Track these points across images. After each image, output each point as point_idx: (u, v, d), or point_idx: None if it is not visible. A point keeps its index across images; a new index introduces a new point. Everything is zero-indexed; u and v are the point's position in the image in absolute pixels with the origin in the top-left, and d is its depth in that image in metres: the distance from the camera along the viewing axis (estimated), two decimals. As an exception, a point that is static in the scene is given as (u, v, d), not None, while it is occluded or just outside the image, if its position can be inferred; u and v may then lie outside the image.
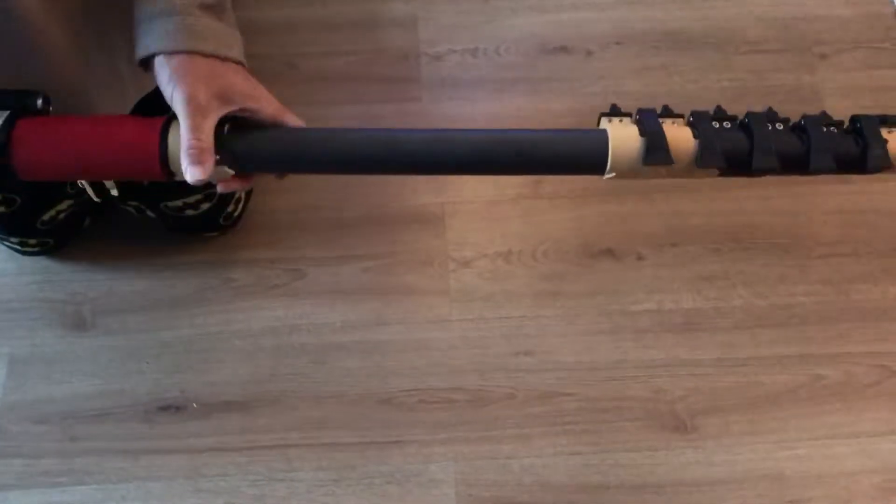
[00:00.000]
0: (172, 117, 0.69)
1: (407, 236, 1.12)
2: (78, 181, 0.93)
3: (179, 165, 0.68)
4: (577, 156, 0.71)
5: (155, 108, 0.88)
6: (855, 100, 1.22)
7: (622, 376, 1.02)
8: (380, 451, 0.98)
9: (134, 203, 1.02)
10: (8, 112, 0.68)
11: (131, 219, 1.09)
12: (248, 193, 1.10)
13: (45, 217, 1.00)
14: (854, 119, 0.74)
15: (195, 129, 0.66)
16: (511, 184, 1.17)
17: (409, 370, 1.03)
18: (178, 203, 0.99)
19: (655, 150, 0.69)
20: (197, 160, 0.66)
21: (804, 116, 0.72)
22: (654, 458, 0.98)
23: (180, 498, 0.96)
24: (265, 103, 0.71)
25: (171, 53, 0.66)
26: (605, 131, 0.71)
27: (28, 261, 1.09)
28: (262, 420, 1.00)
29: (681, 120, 0.73)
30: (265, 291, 1.08)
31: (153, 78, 0.69)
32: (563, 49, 1.29)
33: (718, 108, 0.73)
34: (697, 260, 1.10)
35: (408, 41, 1.29)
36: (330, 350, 1.04)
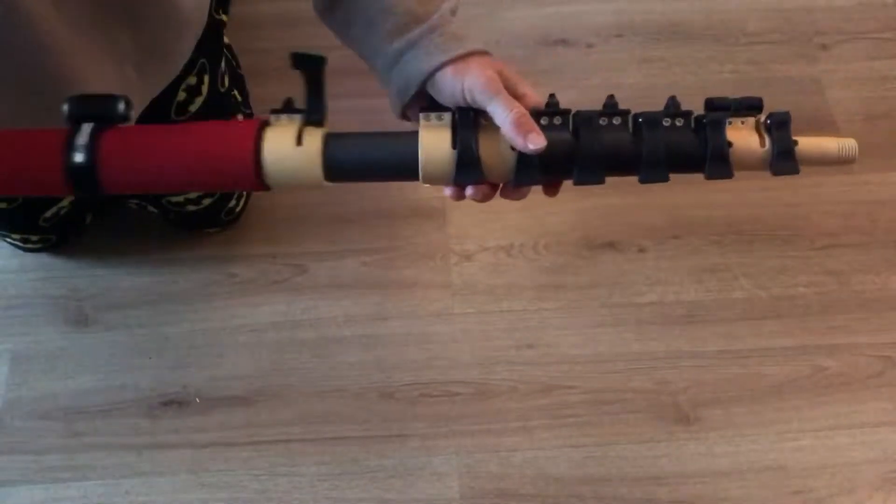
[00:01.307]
0: (266, 123, 0.64)
1: (408, 230, 1.12)
2: None
3: (277, 176, 0.62)
4: (389, 162, 0.64)
5: (155, 107, 0.89)
6: (856, 91, 1.21)
7: (624, 368, 1.02)
8: (382, 445, 0.98)
9: (136, 199, 1.02)
10: (92, 126, 0.62)
11: (133, 215, 1.09)
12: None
13: (48, 214, 1.00)
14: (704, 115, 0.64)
15: (508, 100, 0.62)
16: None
17: (411, 364, 1.03)
18: (180, 199, 1.00)
19: (465, 167, 0.62)
20: (531, 127, 0.61)
21: (641, 115, 0.63)
22: (657, 449, 0.98)
23: (184, 492, 0.96)
24: (530, 89, 0.67)
25: (448, 63, 0.64)
26: (416, 138, 0.63)
27: (30, 257, 1.09)
28: (265, 414, 1.00)
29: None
30: (267, 286, 1.08)
31: (400, 97, 0.67)
32: (564, 41, 1.28)
33: (550, 96, 0.65)
34: (699, 252, 1.10)
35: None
36: (332, 344, 1.04)
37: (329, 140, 0.63)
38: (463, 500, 0.95)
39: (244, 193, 1.08)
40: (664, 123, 0.63)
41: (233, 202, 1.06)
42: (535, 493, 0.95)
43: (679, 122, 0.63)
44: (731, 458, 0.97)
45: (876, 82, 1.22)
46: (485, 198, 0.65)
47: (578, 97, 1.22)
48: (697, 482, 0.96)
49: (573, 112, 0.63)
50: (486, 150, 0.62)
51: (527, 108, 0.62)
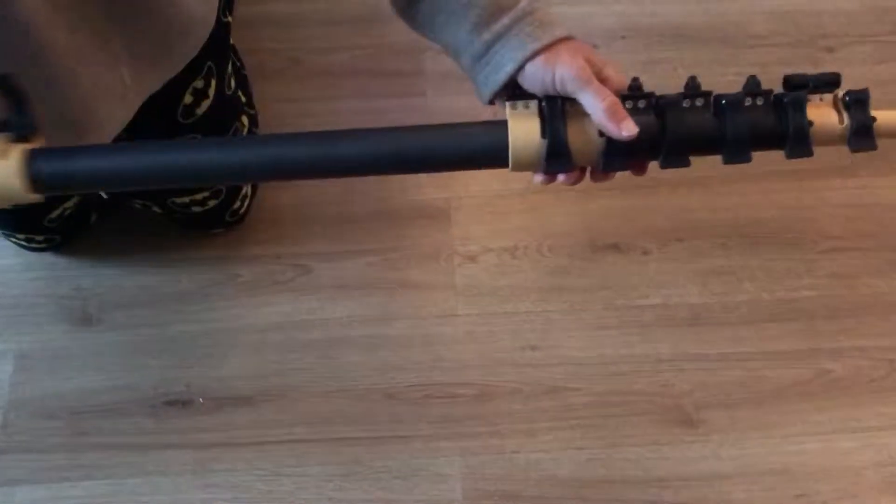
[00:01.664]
0: None
1: (412, 231, 1.12)
2: None
3: None
4: (476, 152, 0.67)
5: (162, 110, 0.89)
6: (862, 93, 1.21)
7: (628, 371, 1.02)
8: (386, 446, 0.98)
9: (140, 200, 1.03)
10: None
11: (137, 215, 1.09)
12: (254, 190, 1.10)
13: (53, 215, 1.00)
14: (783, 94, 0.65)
15: (600, 89, 0.63)
16: (517, 178, 1.16)
17: (415, 365, 1.03)
18: (185, 200, 1.00)
19: (556, 156, 0.64)
20: (623, 115, 0.62)
21: (725, 98, 0.64)
22: (661, 452, 0.98)
23: (189, 492, 0.96)
24: (614, 73, 0.67)
25: (539, 52, 0.65)
26: (505, 128, 0.65)
27: (34, 256, 1.09)
28: (269, 415, 1.00)
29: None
30: (271, 287, 1.08)
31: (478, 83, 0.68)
32: (569, 43, 1.28)
33: (634, 79, 0.66)
34: (703, 254, 1.10)
35: (412, 36, 1.28)
36: (336, 345, 1.04)
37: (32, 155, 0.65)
38: (466, 502, 0.95)
39: (249, 195, 1.08)
40: (745, 104, 0.64)
41: (237, 203, 1.06)
42: (538, 496, 0.95)
43: (760, 102, 0.64)
44: (735, 461, 0.97)
45: (882, 85, 1.22)
46: (576, 181, 0.68)
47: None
48: (702, 485, 0.96)
49: (658, 95, 0.65)
50: (575, 137, 0.64)
51: (613, 92, 0.63)
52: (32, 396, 1.01)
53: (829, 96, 0.65)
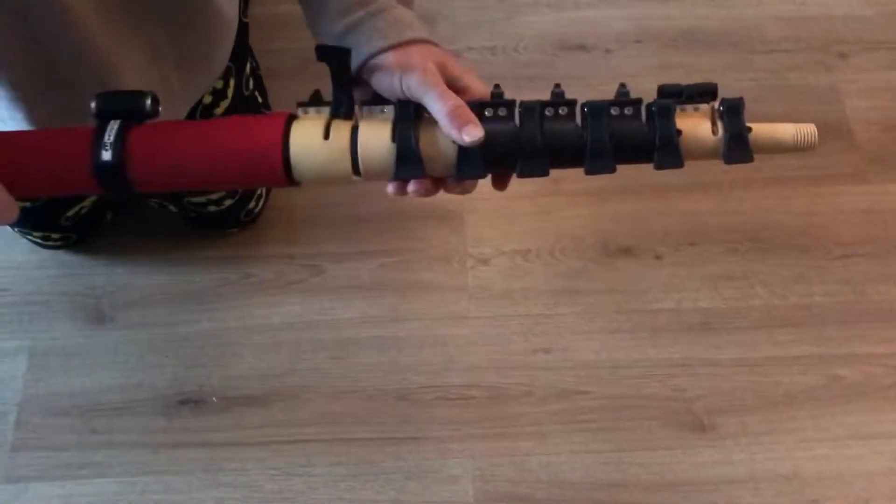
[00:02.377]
0: (293, 116, 0.62)
1: (425, 232, 1.13)
2: None
3: (304, 170, 0.61)
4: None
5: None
6: (875, 100, 1.21)
7: (640, 375, 1.02)
8: (397, 447, 0.99)
9: (157, 198, 1.03)
10: (119, 123, 0.60)
11: (152, 213, 1.10)
12: (269, 191, 1.11)
13: (70, 213, 1.01)
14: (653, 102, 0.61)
15: (445, 92, 0.59)
16: (528, 182, 1.16)
17: (426, 366, 1.03)
18: (202, 199, 1.00)
19: (406, 161, 0.60)
20: (467, 119, 0.58)
21: (588, 105, 0.60)
22: (672, 456, 0.98)
23: (199, 491, 0.96)
24: (475, 81, 0.65)
25: (389, 49, 0.63)
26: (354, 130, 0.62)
27: (49, 254, 1.10)
28: (281, 415, 1.00)
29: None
30: (284, 287, 1.08)
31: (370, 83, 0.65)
32: (582, 47, 1.29)
33: (495, 86, 0.62)
34: (715, 259, 1.10)
35: (426, 38, 1.29)
36: (348, 345, 1.05)
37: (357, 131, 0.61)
38: (477, 504, 0.95)
39: (263, 195, 1.09)
40: (612, 112, 0.60)
41: (252, 203, 1.06)
42: (549, 498, 0.96)
43: (628, 111, 0.60)
44: (746, 465, 0.97)
45: (895, 92, 1.22)
46: (427, 193, 0.63)
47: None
48: (712, 490, 0.96)
49: (517, 102, 0.61)
50: (427, 143, 0.60)
51: (470, 100, 0.60)
52: (45, 393, 1.02)
53: (704, 106, 0.61)
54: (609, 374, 1.03)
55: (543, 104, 0.61)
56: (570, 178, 1.16)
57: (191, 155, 0.62)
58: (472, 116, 0.58)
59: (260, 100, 1.04)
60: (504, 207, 1.14)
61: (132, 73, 0.76)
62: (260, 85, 1.06)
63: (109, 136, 0.60)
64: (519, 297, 1.08)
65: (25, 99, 0.75)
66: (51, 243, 1.07)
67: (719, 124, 0.60)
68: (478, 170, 0.61)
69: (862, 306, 1.07)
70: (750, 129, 0.59)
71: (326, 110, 0.62)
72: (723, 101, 0.60)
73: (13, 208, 0.58)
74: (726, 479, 0.97)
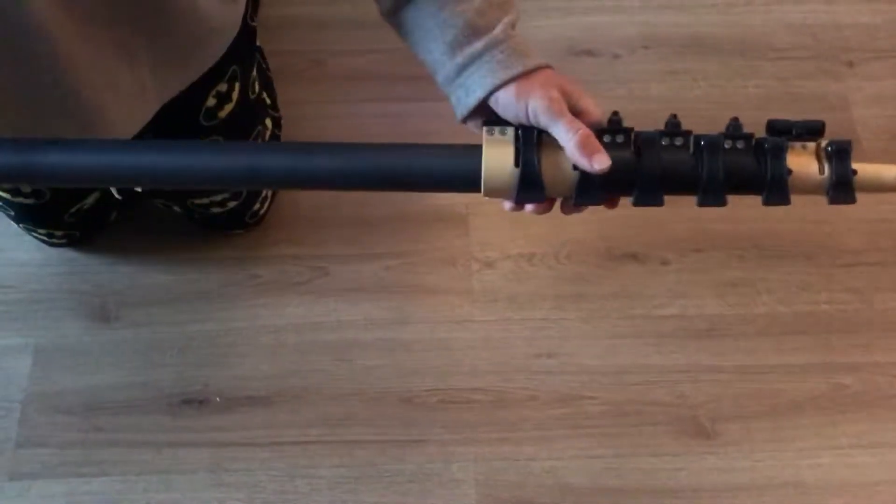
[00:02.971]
0: None
1: (430, 235, 1.13)
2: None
3: None
4: (449, 175, 0.66)
5: (184, 112, 0.89)
6: (883, 109, 1.21)
7: (644, 381, 1.02)
8: (400, 450, 0.99)
9: (162, 199, 1.03)
10: None
11: (157, 213, 1.10)
12: (275, 193, 1.11)
13: (73, 209, 1.01)
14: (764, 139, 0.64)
15: (572, 121, 0.62)
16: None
17: (430, 369, 1.03)
18: (206, 201, 1.00)
19: (527, 187, 0.63)
20: (596, 148, 0.61)
21: (703, 139, 0.63)
22: (675, 463, 0.98)
23: (203, 491, 0.96)
24: (590, 103, 0.66)
25: (510, 81, 0.64)
26: (479, 153, 0.64)
27: (54, 252, 1.10)
28: (285, 416, 1.00)
29: None
30: (289, 288, 1.08)
31: (470, 112, 0.67)
32: (589, 52, 1.29)
33: (614, 113, 0.65)
34: (721, 266, 1.10)
35: (434, 41, 1.29)
36: (352, 347, 1.05)
37: None
38: (480, 508, 0.95)
39: (269, 197, 1.09)
40: (725, 146, 0.63)
41: (257, 205, 1.06)
42: (552, 503, 0.95)
43: (740, 146, 0.63)
44: (749, 473, 0.97)
45: (902, 101, 1.22)
46: (544, 211, 0.67)
47: (603, 108, 1.22)
48: (715, 496, 0.96)
49: (635, 131, 0.64)
50: (549, 168, 0.63)
51: (589, 125, 0.62)
52: (50, 391, 1.02)
53: (811, 145, 0.63)
54: (613, 379, 1.03)
55: (661, 133, 0.64)
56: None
57: None
58: (599, 146, 0.61)
59: (268, 101, 1.04)
60: (509, 211, 1.14)
61: (99, 69, 0.76)
62: (269, 87, 1.06)
63: None
64: (523, 301, 1.08)
65: None
66: (55, 241, 1.07)
67: (825, 164, 0.63)
68: (596, 196, 0.64)
69: (867, 315, 1.07)
70: (855, 172, 0.62)
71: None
72: (831, 143, 0.63)
73: None
74: (730, 486, 0.97)
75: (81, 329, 1.06)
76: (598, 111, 0.65)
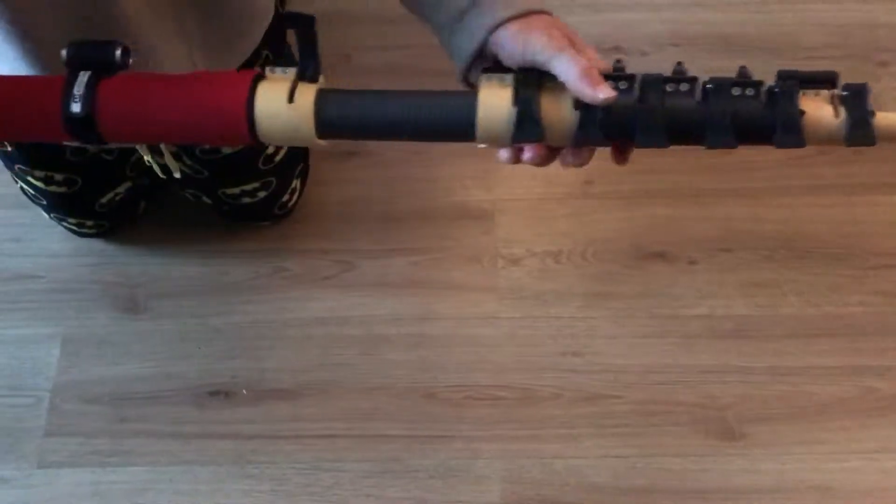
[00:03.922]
0: (260, 76, 0.62)
1: (456, 232, 1.13)
2: (146, 161, 0.94)
3: (269, 130, 0.62)
4: (444, 122, 0.63)
5: None
6: (916, 109, 1.20)
7: (671, 381, 1.02)
8: (425, 445, 0.99)
9: (191, 189, 1.03)
10: (89, 74, 0.61)
11: (186, 205, 1.11)
12: (304, 184, 1.11)
13: (104, 199, 1.02)
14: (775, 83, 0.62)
15: (574, 54, 0.59)
16: (561, 182, 1.16)
17: (456, 366, 1.03)
18: (236, 190, 1.01)
19: (525, 125, 0.60)
20: (599, 79, 0.59)
21: (712, 80, 0.62)
22: (701, 463, 0.97)
23: (228, 483, 0.97)
24: (595, 55, 0.64)
25: (511, 19, 0.63)
26: (474, 98, 0.62)
27: (84, 242, 1.11)
28: (311, 409, 1.00)
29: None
30: (316, 282, 1.08)
31: (480, 57, 0.65)
32: (617, 49, 1.28)
33: (617, 60, 0.62)
34: (750, 266, 1.09)
35: (462, 37, 1.29)
36: (378, 342, 1.05)
37: (322, 96, 0.62)
38: (504, 505, 0.95)
39: (298, 188, 1.09)
40: (733, 92, 0.61)
41: (286, 196, 1.07)
42: (576, 502, 0.95)
43: (750, 92, 0.62)
44: (776, 475, 0.96)
45: (936, 102, 1.21)
46: (542, 161, 0.64)
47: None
48: (741, 498, 0.95)
49: (640, 76, 0.62)
50: (548, 108, 0.61)
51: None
52: (78, 381, 1.03)
53: (825, 92, 0.62)
54: (639, 378, 1.02)
55: (665, 79, 0.62)
56: (604, 181, 1.16)
57: (160, 109, 0.62)
58: (602, 79, 0.59)
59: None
60: (536, 208, 1.14)
61: (160, 44, 0.77)
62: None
63: (79, 88, 0.61)
64: (549, 299, 1.07)
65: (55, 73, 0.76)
66: (85, 231, 1.08)
67: (841, 108, 0.60)
68: (596, 134, 0.61)
69: (898, 318, 1.06)
70: (873, 113, 0.60)
71: (293, 72, 0.63)
72: (847, 86, 0.61)
73: None
74: (755, 488, 0.96)
75: (110, 319, 1.06)
76: (603, 63, 0.63)
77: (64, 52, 0.62)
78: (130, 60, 0.64)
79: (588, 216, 1.14)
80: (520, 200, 1.15)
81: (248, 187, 1.00)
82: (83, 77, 0.61)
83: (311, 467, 0.97)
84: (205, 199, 1.05)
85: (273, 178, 1.01)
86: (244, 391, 1.01)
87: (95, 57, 0.62)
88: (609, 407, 1.00)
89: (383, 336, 1.05)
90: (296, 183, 1.07)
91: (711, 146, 0.61)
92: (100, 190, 1.01)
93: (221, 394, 1.01)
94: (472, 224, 1.13)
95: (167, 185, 1.06)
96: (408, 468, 0.97)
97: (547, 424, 0.99)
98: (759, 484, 0.96)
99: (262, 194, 1.02)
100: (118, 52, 0.62)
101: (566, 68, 0.59)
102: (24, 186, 1.00)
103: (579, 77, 0.58)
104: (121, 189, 1.02)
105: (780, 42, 1.28)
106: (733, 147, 0.61)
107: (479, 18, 0.64)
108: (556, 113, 0.61)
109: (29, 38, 0.74)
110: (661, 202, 1.14)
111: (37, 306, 1.07)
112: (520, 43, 0.62)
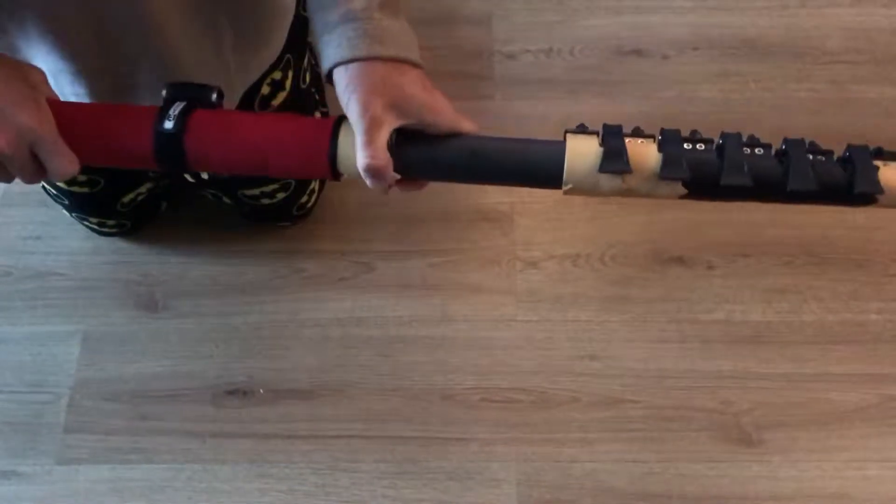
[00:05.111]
0: (343, 118, 0.67)
1: (475, 234, 1.13)
2: None
3: (349, 167, 0.67)
4: (533, 165, 0.68)
5: (244, 104, 0.90)
6: (939, 115, 1.19)
7: (689, 386, 1.01)
8: (442, 447, 0.99)
9: (212, 189, 1.04)
10: (185, 103, 0.67)
11: (206, 205, 1.11)
12: (322, 186, 1.11)
13: (126, 199, 1.03)
14: (847, 149, 0.68)
15: (369, 143, 0.63)
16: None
17: (472, 368, 1.03)
18: (255, 192, 1.01)
19: (612, 157, 0.66)
20: (376, 176, 0.64)
21: (785, 140, 0.68)
22: (718, 469, 0.97)
23: (244, 482, 0.97)
24: (441, 117, 0.66)
25: (349, 62, 0.64)
26: (562, 143, 0.67)
27: (104, 241, 1.12)
28: (328, 409, 1.01)
29: (650, 140, 0.68)
30: (334, 283, 1.09)
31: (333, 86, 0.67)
32: (638, 52, 1.28)
33: (694, 131, 0.68)
34: (769, 272, 1.08)
35: (482, 39, 1.29)
36: (395, 343, 1.05)
37: (398, 135, 0.67)
38: (519, 508, 0.95)
39: (316, 190, 1.09)
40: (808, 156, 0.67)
41: (305, 197, 1.07)
42: (592, 506, 0.95)
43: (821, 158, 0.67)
44: (794, 482, 0.96)
45: (959, 108, 1.20)
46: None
47: (652, 110, 1.21)
48: (758, 505, 0.95)
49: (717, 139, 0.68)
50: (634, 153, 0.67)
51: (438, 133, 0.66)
52: (97, 378, 1.03)
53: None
54: (657, 383, 1.02)
55: (743, 142, 0.68)
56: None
57: (248, 136, 0.68)
58: (388, 178, 0.65)
59: (317, 97, 1.05)
60: (554, 211, 1.14)
61: (192, 48, 0.78)
62: (317, 81, 1.07)
63: (174, 110, 0.67)
64: (567, 303, 1.07)
65: (89, 75, 0.77)
66: (106, 230, 1.09)
67: None
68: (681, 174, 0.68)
69: (918, 326, 1.05)
70: None
71: None
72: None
73: (75, 162, 0.65)
74: (773, 495, 0.95)
75: (129, 318, 1.07)
76: (448, 127, 0.66)
77: (164, 92, 0.67)
78: (223, 102, 0.69)
79: (607, 220, 1.13)
80: (538, 203, 1.15)
81: (267, 188, 1.01)
82: (179, 104, 0.67)
83: (328, 468, 0.98)
84: (225, 199, 1.05)
85: (292, 180, 1.02)
86: (261, 391, 1.02)
87: (192, 95, 0.68)
88: (626, 411, 1.00)
89: (400, 337, 1.05)
90: (314, 184, 1.08)
91: (792, 189, 0.66)
92: (122, 190, 1.02)
93: (239, 393, 1.02)
94: (491, 226, 1.13)
95: (188, 186, 1.07)
96: (424, 469, 0.98)
97: (563, 428, 0.99)
98: (776, 491, 0.96)
99: (281, 195, 1.03)
100: (214, 95, 0.68)
101: (359, 156, 0.64)
102: (47, 185, 1.01)
103: (362, 169, 0.64)
104: (142, 189, 1.03)
105: (803, 45, 1.27)
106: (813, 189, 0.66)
107: (328, 50, 0.66)
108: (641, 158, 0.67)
109: (60, 38, 0.74)
110: (680, 207, 1.13)
111: (57, 304, 1.08)
112: (344, 99, 0.64)
